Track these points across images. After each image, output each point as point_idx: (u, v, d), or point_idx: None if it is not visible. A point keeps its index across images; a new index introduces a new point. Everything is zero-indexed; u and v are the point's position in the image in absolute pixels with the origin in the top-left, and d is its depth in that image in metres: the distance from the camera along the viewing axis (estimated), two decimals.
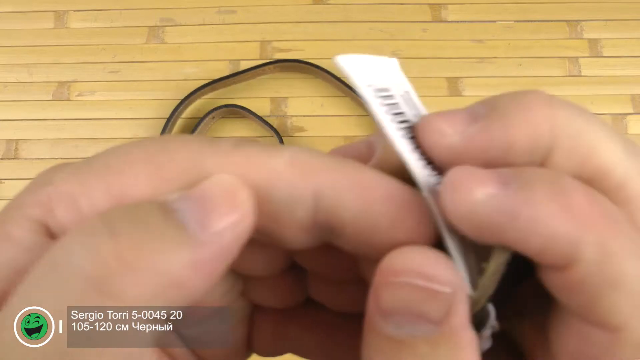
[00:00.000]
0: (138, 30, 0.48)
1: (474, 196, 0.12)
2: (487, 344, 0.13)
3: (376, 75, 0.14)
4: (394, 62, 0.15)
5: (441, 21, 0.49)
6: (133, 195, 0.13)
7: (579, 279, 0.11)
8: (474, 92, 0.47)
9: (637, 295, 0.11)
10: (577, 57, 0.47)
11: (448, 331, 0.12)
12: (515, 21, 0.48)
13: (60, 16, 0.49)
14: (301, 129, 0.46)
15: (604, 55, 0.47)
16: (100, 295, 0.11)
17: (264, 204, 0.13)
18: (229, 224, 0.12)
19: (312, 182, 0.13)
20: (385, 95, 0.14)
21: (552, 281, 0.12)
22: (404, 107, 0.14)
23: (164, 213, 0.12)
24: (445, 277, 0.12)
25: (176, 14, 0.49)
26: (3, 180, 0.45)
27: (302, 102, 0.46)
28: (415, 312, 0.12)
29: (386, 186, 0.13)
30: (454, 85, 0.47)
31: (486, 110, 0.13)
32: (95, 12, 0.49)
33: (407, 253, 0.12)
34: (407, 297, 0.12)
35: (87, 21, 0.49)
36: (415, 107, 0.14)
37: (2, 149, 0.46)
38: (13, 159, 0.46)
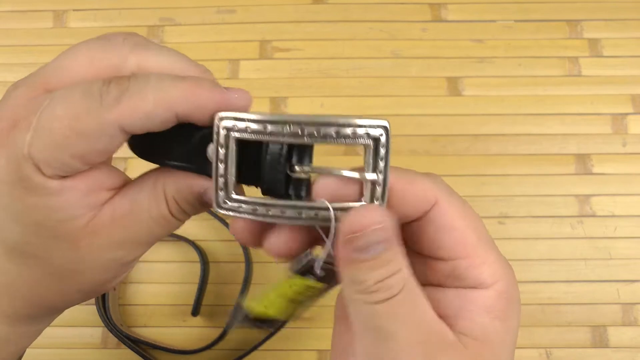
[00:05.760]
0: (137, 29, 0.48)
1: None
2: None
3: None
4: None
5: (441, 21, 0.48)
6: None
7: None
8: (474, 92, 0.47)
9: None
10: (577, 57, 0.47)
11: (392, 240, 0.21)
12: (515, 21, 0.48)
13: (59, 15, 0.49)
14: None
15: (604, 55, 0.47)
16: None
17: None
18: None
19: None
20: None
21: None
22: None
23: None
24: (383, 217, 0.20)
25: (176, 14, 0.49)
26: None
27: (302, 102, 0.46)
28: (377, 242, 0.20)
29: None
30: (453, 85, 0.47)
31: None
32: (95, 11, 0.49)
33: (362, 214, 0.20)
34: (371, 238, 0.20)
35: (86, 21, 0.49)
36: None
37: None
38: None
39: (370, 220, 0.20)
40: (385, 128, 0.21)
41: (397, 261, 0.21)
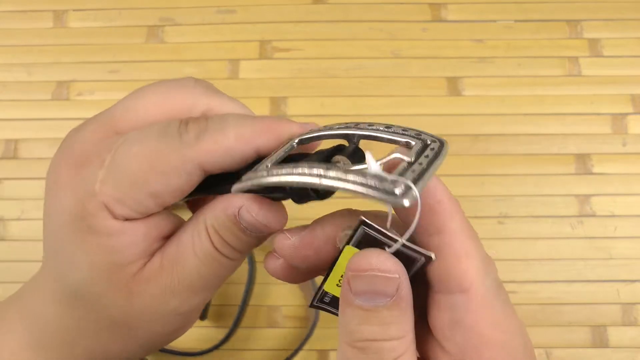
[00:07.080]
0: (137, 29, 0.48)
1: None
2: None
3: None
4: None
5: (441, 21, 0.48)
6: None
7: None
8: (474, 92, 0.47)
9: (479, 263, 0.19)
10: (577, 57, 0.47)
11: (398, 299, 0.18)
12: (515, 21, 0.48)
13: (59, 15, 0.49)
14: None
15: (604, 55, 0.47)
16: None
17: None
18: None
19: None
20: None
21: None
22: None
23: None
24: (394, 268, 0.18)
25: (175, 14, 0.49)
26: (2, 180, 0.45)
27: (302, 102, 0.46)
28: (377, 292, 0.18)
29: None
30: (453, 85, 0.47)
31: None
32: (95, 11, 0.49)
33: (369, 255, 0.19)
34: (371, 283, 0.18)
35: (86, 21, 0.49)
36: None
37: (1, 149, 0.46)
38: (12, 158, 0.46)
39: (376, 264, 0.18)
40: (442, 142, 0.19)
41: (400, 327, 0.19)
